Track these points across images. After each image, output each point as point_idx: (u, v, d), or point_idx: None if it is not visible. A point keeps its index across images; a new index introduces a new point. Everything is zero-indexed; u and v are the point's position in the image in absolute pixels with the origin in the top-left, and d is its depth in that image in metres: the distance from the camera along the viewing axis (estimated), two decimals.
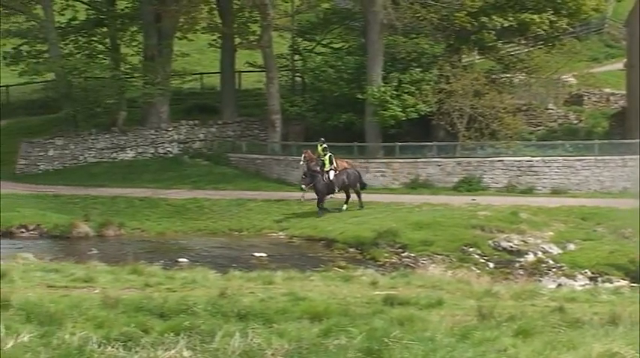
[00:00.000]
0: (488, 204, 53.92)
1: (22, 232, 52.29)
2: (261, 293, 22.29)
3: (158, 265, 30.09)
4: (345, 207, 54.62)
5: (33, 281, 24.01)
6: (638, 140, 58.79)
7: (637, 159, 57.44)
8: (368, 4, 63.53)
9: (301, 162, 55.44)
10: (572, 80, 72.65)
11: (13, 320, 16.02)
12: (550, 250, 47.22)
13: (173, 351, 13.69)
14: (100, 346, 14.05)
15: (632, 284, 35.60)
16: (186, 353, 13.64)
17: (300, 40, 75.57)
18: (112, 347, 14.09)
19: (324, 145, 55.22)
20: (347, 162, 56.30)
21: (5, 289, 21.67)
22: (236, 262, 38.05)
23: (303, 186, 53.52)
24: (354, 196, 54.74)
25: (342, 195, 54.79)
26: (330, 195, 54.62)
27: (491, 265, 45.19)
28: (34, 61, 71.71)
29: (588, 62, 77.93)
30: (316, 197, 54.02)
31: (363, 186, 55.28)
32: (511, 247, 47.70)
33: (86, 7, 75.05)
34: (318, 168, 53.58)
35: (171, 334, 15.07)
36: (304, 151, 56.52)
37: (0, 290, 21.34)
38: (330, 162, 53.53)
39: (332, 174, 53.01)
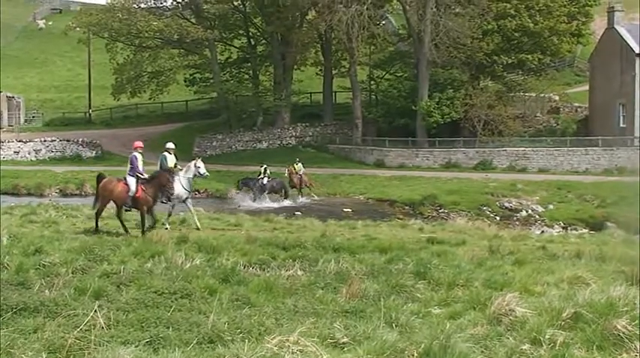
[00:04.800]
0: (496, 178, 53.38)
1: (196, 194, 52.50)
2: (348, 235, 22.34)
3: (282, 216, 30.29)
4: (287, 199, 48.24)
5: (202, 225, 24.30)
6: (597, 137, 58.33)
7: (595, 150, 57.03)
8: (419, 47, 63.06)
9: (286, 174, 50.38)
10: (554, 97, 71.52)
11: (190, 250, 16.23)
12: (537, 209, 46.57)
13: (291, 271, 13.73)
14: (244, 267, 14.17)
15: (591, 232, 34.95)
16: (299, 273, 13.68)
17: (374, 70, 75.39)
18: (252, 268, 14.21)
19: (265, 168, 48.74)
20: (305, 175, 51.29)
21: (184, 230, 21.99)
22: (331, 215, 38.08)
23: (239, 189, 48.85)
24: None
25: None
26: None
27: (498, 218, 44.76)
28: (204, 84, 73.23)
29: (563, 86, 76.55)
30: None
31: (286, 195, 48.54)
32: (511, 207, 47.19)
33: (237, 49, 75.78)
34: (256, 177, 48.26)
35: (290, 260, 15.15)
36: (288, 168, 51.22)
37: (180, 231, 21.62)
38: (264, 173, 47.96)
39: (265, 180, 47.70)
